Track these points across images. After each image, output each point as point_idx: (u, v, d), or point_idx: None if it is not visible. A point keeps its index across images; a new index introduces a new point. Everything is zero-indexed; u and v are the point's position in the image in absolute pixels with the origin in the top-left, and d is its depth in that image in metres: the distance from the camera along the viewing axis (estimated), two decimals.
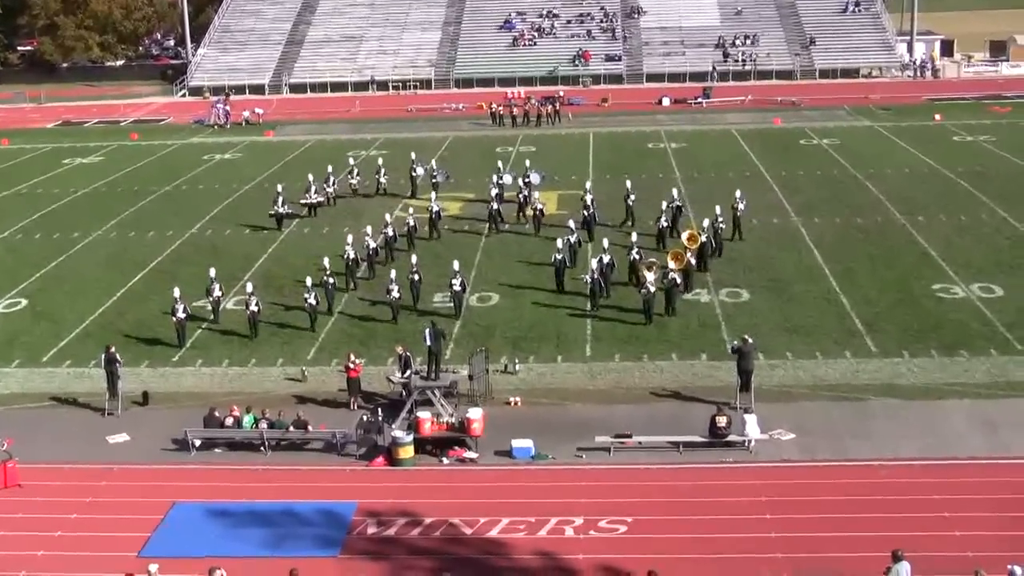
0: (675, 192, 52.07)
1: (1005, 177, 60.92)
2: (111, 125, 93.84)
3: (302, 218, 56.33)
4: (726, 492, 28.42)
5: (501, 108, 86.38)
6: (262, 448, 31.80)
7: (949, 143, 71.75)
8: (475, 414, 31.37)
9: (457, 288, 41.44)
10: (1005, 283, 43.00)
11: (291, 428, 31.89)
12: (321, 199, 57.81)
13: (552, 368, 37.13)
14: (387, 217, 49.74)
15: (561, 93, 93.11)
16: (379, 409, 32.77)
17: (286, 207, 55.55)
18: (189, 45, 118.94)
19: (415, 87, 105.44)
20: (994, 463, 29.38)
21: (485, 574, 24.43)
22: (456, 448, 31.31)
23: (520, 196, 54.57)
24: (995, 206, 54.26)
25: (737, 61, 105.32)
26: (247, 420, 32.24)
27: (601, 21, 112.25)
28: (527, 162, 62.11)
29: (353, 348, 37.33)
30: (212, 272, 43.01)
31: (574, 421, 32.80)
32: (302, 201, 56.83)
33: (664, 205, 49.58)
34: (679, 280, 41.50)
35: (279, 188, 56.86)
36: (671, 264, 41.66)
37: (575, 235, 46.63)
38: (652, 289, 40.08)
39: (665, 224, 48.71)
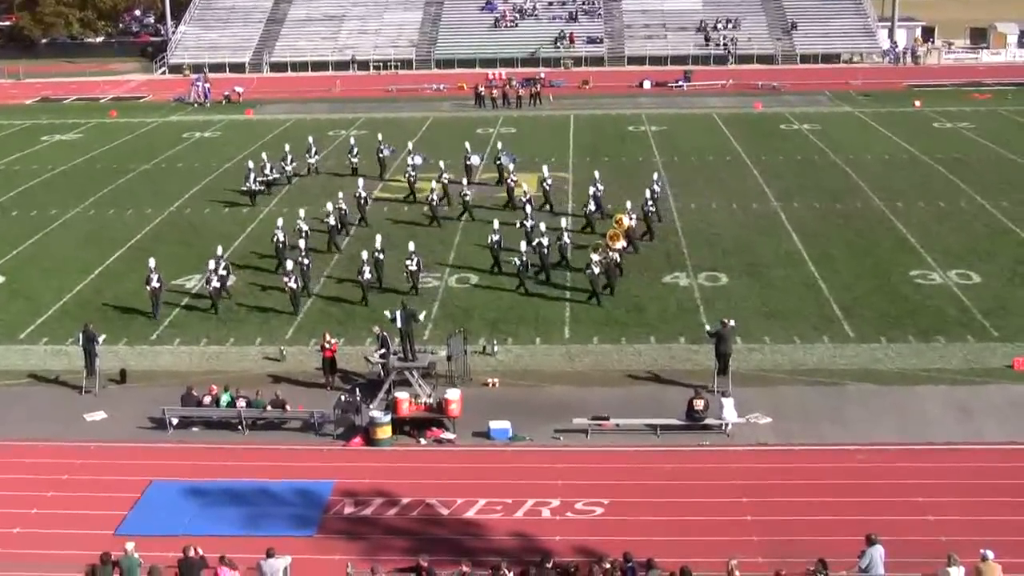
0: (597, 174, 52.52)
1: (984, 164, 61.17)
2: (90, 102, 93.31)
3: (266, 195, 56.42)
4: (702, 475, 28.55)
5: (484, 89, 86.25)
6: (240, 427, 31.78)
7: (929, 130, 71.98)
8: (453, 395, 31.38)
9: (412, 268, 41.69)
10: (982, 270, 43.22)
11: (269, 407, 31.84)
12: (277, 176, 58.26)
13: (531, 350, 37.16)
14: (328, 206, 48.90)
15: (542, 75, 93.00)
16: (357, 389, 32.77)
17: (258, 183, 56.04)
18: (169, 22, 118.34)
19: (396, 67, 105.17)
20: (968, 448, 29.58)
21: (462, 555, 24.42)
22: (434, 429, 31.35)
23: (442, 179, 54.20)
24: (973, 193, 54.50)
25: (718, 45, 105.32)
26: (225, 399, 32.17)
27: (583, 3, 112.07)
28: (499, 144, 61.99)
29: (331, 328, 37.28)
30: (219, 250, 42.95)
31: (552, 403, 32.84)
32: (259, 179, 56.75)
33: (592, 191, 50.11)
34: (619, 260, 42.22)
35: (250, 164, 57.12)
36: (612, 245, 42.52)
37: (530, 221, 46.30)
38: (597, 271, 40.62)
39: (592, 209, 49.18)
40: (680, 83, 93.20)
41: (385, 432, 30.68)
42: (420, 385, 32.70)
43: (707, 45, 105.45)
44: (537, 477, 28.57)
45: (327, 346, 34.59)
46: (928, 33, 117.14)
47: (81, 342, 35.08)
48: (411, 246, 42.60)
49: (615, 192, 52.05)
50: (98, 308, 41.48)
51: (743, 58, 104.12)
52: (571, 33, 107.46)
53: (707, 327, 36.23)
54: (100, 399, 34.11)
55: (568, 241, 44.44)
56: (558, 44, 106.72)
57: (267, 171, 57.78)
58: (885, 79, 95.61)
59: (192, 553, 23.18)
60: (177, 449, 30.77)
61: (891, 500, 26.91)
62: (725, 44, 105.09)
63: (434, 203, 51.12)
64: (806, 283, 42.44)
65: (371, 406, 31.62)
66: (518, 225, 46.05)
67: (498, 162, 57.46)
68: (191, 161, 66.60)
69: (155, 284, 40.32)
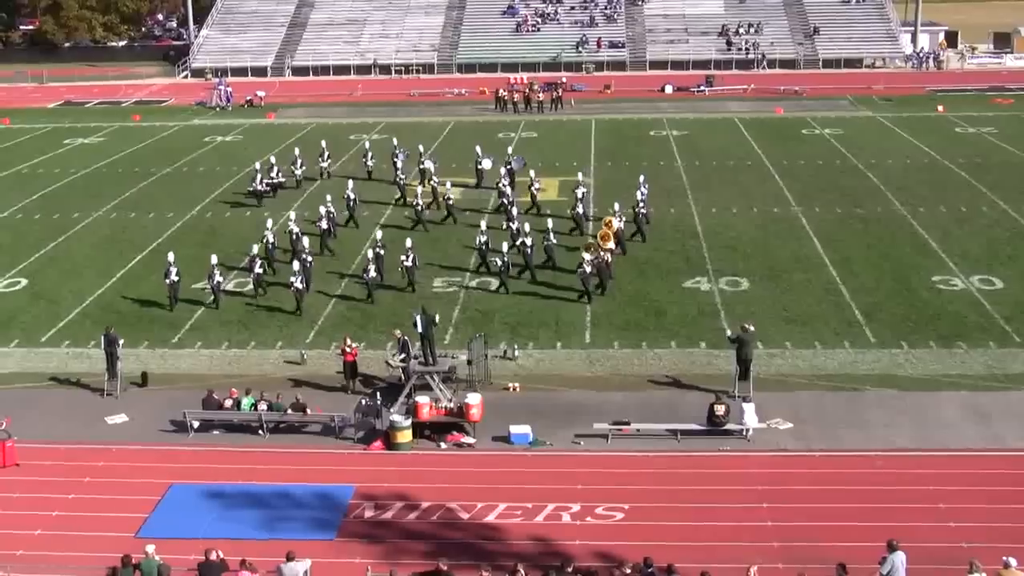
0: (580, 176, 53.22)
1: (1006, 169, 60.84)
2: (113, 106, 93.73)
3: (271, 198, 56.87)
4: (723, 480, 28.49)
5: (507, 93, 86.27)
6: (260, 431, 31.85)
7: (951, 134, 71.65)
8: (473, 399, 31.41)
9: (408, 264, 42.41)
10: (1004, 275, 43.02)
11: (289, 411, 31.93)
12: (283, 179, 58.82)
13: (551, 354, 37.15)
14: (320, 209, 49.34)
15: (564, 79, 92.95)
16: (377, 393, 32.81)
17: (265, 185, 56.92)
18: (192, 26, 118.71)
19: (418, 71, 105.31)
20: (989, 455, 29.45)
21: (481, 559, 24.46)
22: (454, 433, 31.36)
23: (432, 182, 54.96)
24: (995, 198, 54.24)
25: (740, 50, 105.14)
26: (246, 402, 32.24)
27: (604, 8, 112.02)
28: (509, 149, 61.86)
29: (351, 332, 37.38)
30: (255, 248, 44.09)
31: (572, 408, 32.84)
32: (266, 182, 57.42)
33: (580, 193, 50.80)
34: (610, 259, 42.89)
35: (257, 166, 57.94)
36: (603, 245, 43.50)
37: (515, 223, 46.88)
38: (588, 270, 41.27)
39: (580, 210, 49.97)
40: (702, 87, 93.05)
41: (405, 436, 30.71)
42: (441, 389, 32.72)
43: (729, 49, 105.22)
44: (557, 482, 28.55)
45: (348, 350, 34.66)
46: (951, 38, 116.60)
47: (102, 345, 35.26)
48: (407, 243, 43.52)
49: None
50: (119, 311, 41.64)
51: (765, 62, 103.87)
52: (599, 38, 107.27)
53: (728, 332, 36.09)
54: (121, 402, 34.23)
55: (554, 241, 45.20)
56: (580, 48, 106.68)
57: (273, 174, 58.32)
58: (907, 84, 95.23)
59: (213, 556, 23.24)
60: (198, 452, 30.86)
61: (912, 506, 26.81)
62: (747, 48, 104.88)
63: (419, 207, 51.50)
64: (827, 288, 42.31)
65: (391, 410, 31.65)
66: (504, 227, 46.84)
67: (508, 166, 57.59)
68: (212, 165, 66.78)
69: (174, 278, 41.49)
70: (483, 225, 45.77)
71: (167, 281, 41.59)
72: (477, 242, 44.92)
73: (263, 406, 32.00)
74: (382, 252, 43.50)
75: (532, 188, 53.32)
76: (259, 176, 56.77)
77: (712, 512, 26.90)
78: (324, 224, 48.02)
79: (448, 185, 54.00)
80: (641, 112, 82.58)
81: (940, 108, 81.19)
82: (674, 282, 43.26)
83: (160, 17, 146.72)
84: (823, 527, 26.01)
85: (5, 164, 68.17)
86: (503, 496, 27.83)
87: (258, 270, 42.67)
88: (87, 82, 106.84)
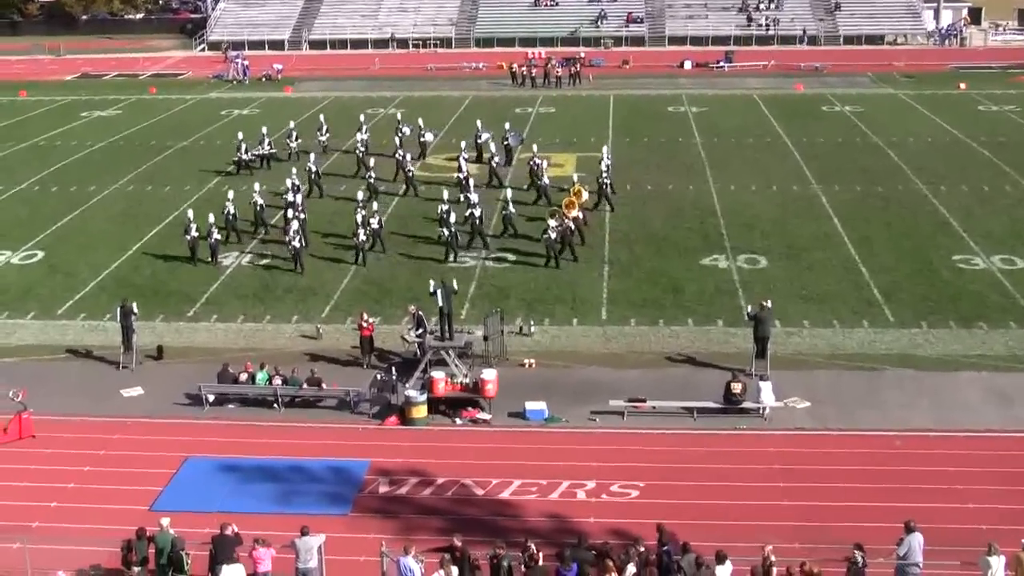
0: (535, 147, 54.13)
1: None
2: (130, 79, 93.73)
3: (259, 169, 57.57)
4: (739, 459, 28.36)
5: (524, 68, 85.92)
6: (275, 405, 31.82)
7: (973, 112, 71.11)
8: (489, 375, 31.31)
9: (375, 226, 44.10)
10: None
11: (304, 385, 31.88)
12: (274, 151, 59.06)
13: (567, 331, 37.03)
14: (287, 182, 49.84)
15: (582, 54, 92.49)
16: (393, 368, 32.73)
17: (252, 155, 57.86)
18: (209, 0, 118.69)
19: (435, 46, 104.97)
20: (1009, 436, 29.24)
21: (496, 535, 24.37)
22: (469, 409, 31.30)
23: (396, 155, 55.27)
24: (1018, 177, 53.82)
25: (761, 25, 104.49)
26: (261, 376, 32.21)
27: None
28: (507, 124, 61.38)
29: (367, 307, 37.32)
30: (289, 213, 45.01)
31: (588, 384, 32.72)
32: (254, 152, 58.08)
33: (544, 164, 51.56)
34: (574, 227, 43.46)
35: (240, 135, 58.61)
36: (568, 213, 43.89)
37: (473, 195, 47.22)
38: (553, 236, 42.13)
39: (546, 182, 50.53)
40: (721, 64, 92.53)
41: (421, 412, 30.67)
42: (456, 365, 32.63)
43: (749, 25, 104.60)
44: (572, 459, 28.48)
45: (364, 325, 34.59)
46: (975, 14, 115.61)
47: (118, 318, 35.25)
48: (374, 206, 45.27)
49: (655, 174, 51.71)
50: (135, 284, 41.64)
51: (785, 39, 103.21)
52: (629, 13, 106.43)
53: (748, 308, 35.76)
54: (137, 375, 34.26)
55: (513, 211, 45.98)
56: (598, 23, 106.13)
57: (263, 145, 58.73)
58: (929, 61, 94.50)
59: (228, 531, 23.19)
60: (213, 426, 30.88)
61: (930, 487, 26.65)
62: (767, 24, 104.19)
63: (371, 179, 51.70)
64: (846, 267, 42.05)
65: (407, 385, 31.58)
66: (461, 199, 47.60)
67: (506, 142, 57.42)
68: (229, 138, 66.30)
69: (194, 234, 42.97)
70: (445, 195, 46.62)
71: (187, 237, 43.16)
72: (439, 211, 45.27)
73: (278, 380, 31.97)
74: (364, 212, 44.49)
75: (491, 161, 53.78)
76: (244, 146, 57.52)
77: (728, 491, 26.78)
78: (290, 197, 47.94)
79: (409, 158, 54.62)
80: (660, 88, 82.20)
81: (962, 85, 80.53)
82: (692, 259, 43.06)
83: None
84: (839, 507, 25.87)
85: (22, 136, 68.25)
86: (518, 473, 27.75)
87: (290, 233, 42.90)
88: (104, 55, 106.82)
